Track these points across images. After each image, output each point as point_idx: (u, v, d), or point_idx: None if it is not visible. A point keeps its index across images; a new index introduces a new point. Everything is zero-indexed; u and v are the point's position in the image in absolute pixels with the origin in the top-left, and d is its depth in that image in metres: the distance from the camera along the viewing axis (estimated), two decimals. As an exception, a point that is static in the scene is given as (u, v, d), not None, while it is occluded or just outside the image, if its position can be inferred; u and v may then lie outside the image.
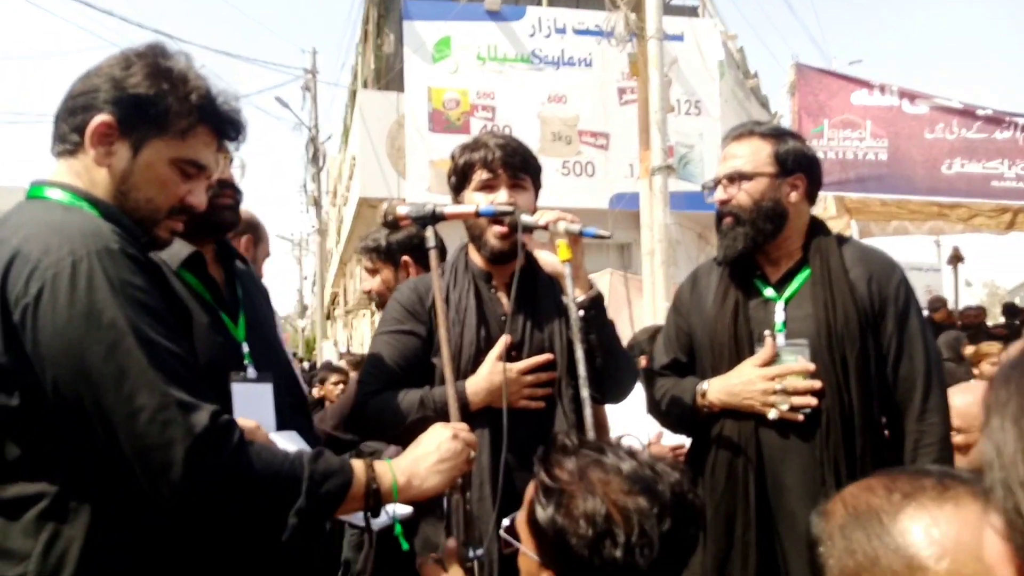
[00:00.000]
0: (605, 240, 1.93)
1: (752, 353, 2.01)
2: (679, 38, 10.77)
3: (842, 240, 2.11)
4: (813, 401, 1.92)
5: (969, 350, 7.52)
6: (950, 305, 10.35)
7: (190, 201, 1.42)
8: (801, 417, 1.92)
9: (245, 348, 1.68)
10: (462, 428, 1.55)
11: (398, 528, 1.56)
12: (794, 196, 2.03)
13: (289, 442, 1.61)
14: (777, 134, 2.09)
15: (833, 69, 8.28)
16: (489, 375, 1.92)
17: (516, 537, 1.22)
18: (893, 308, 1.97)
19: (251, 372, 1.66)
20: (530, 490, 1.21)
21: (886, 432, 2.00)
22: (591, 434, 1.69)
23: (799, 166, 2.03)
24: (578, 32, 11.56)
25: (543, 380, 1.97)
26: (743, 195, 2.02)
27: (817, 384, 1.92)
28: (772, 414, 1.93)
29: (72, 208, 1.31)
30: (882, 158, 7.89)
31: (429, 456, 1.46)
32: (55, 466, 1.22)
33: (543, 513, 1.14)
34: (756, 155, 2.03)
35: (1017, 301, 14.02)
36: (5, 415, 1.20)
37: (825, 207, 7.88)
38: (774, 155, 2.03)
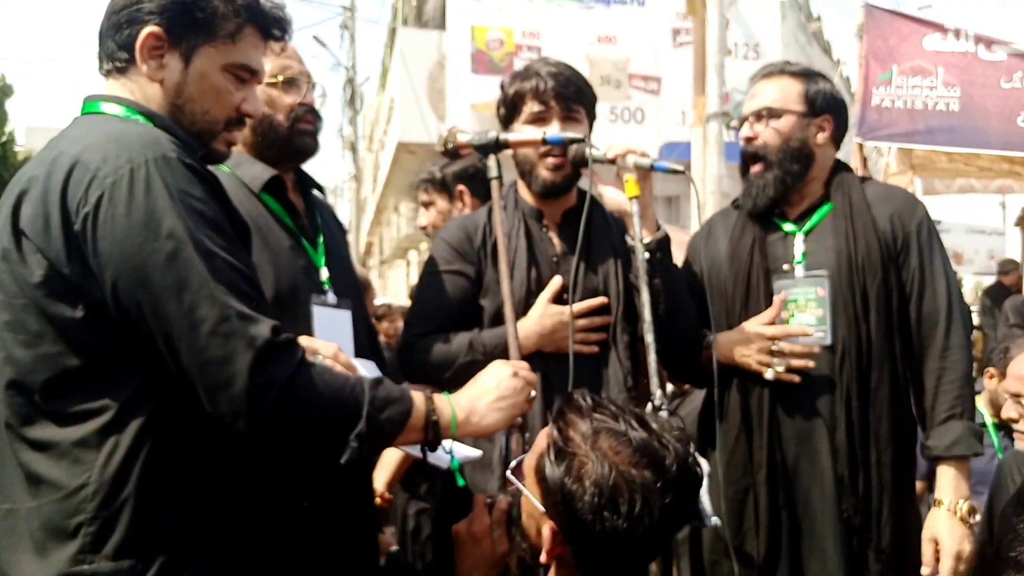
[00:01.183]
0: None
1: (768, 288, 2.02)
2: (739, -24, 10.29)
3: (865, 179, 2.13)
4: (811, 363, 1.93)
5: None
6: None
7: (246, 109, 1.39)
8: (797, 379, 1.93)
9: (325, 274, 1.69)
10: (523, 366, 1.54)
11: (455, 463, 1.55)
12: (821, 138, 2.04)
13: (367, 370, 1.58)
14: (807, 74, 2.10)
15: (904, 11, 7.82)
16: (540, 318, 1.88)
17: (522, 479, 1.27)
18: (916, 243, 1.98)
19: (331, 297, 1.67)
20: (541, 441, 1.24)
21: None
22: (654, 381, 1.65)
23: (827, 107, 2.04)
24: (631, -31, 11.10)
25: (596, 324, 1.92)
26: (771, 132, 2.02)
27: (816, 349, 1.93)
28: (768, 374, 1.94)
29: (128, 120, 1.30)
30: (954, 108, 7.49)
31: (489, 392, 1.45)
32: (118, 380, 1.22)
33: (552, 472, 1.18)
34: (785, 93, 2.04)
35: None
36: (69, 326, 1.20)
37: (887, 163, 7.56)
38: (803, 94, 2.04)
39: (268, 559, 1.36)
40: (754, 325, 1.98)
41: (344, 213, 22.35)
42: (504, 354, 1.68)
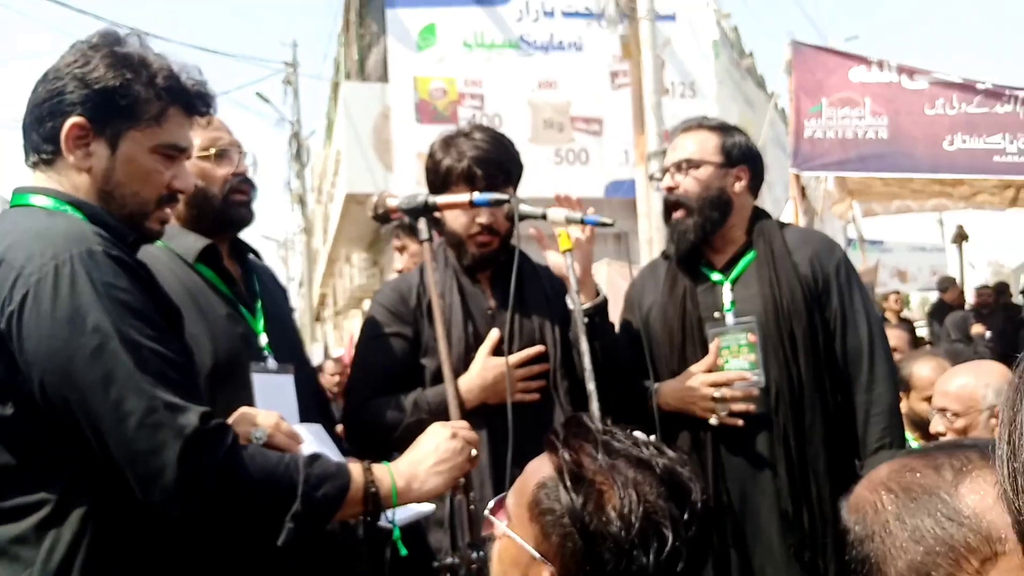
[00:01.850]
0: (605, 228, 1.91)
1: (702, 335, 2.08)
2: (671, 18, 10.58)
3: (783, 225, 2.23)
4: (751, 406, 1.99)
5: (976, 330, 7.41)
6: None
7: (177, 186, 1.40)
8: (740, 422, 1.98)
9: (264, 339, 1.69)
10: (462, 426, 1.53)
11: (396, 533, 1.51)
12: (738, 187, 2.13)
13: (313, 435, 1.59)
14: (724, 128, 2.21)
15: (830, 46, 8.13)
16: (481, 372, 1.89)
17: (503, 521, 1.06)
18: (836, 284, 2.06)
19: (271, 363, 1.66)
20: (535, 472, 1.03)
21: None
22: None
23: (743, 158, 2.14)
24: (567, 15, 11.34)
25: (535, 372, 1.95)
26: (691, 181, 2.11)
27: (754, 391, 1.99)
28: (713, 420, 1.99)
29: (55, 213, 1.30)
30: (883, 136, 7.76)
31: (428, 457, 1.44)
32: (53, 474, 1.21)
33: (568, 501, 0.96)
34: (703, 145, 2.14)
35: (1022, 280, 13.96)
36: (1, 426, 1.19)
37: (826, 189, 7.79)
38: (720, 147, 2.14)
39: None
40: (696, 373, 2.03)
41: (296, 266, 22.13)
42: (448, 411, 1.68)
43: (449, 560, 1.50)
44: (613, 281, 7.74)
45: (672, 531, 0.96)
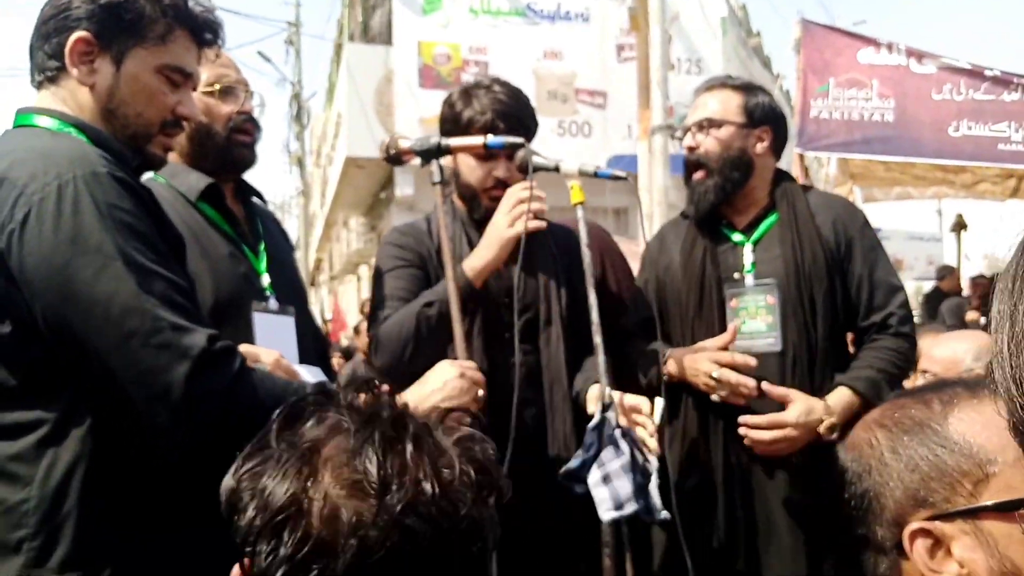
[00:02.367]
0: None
1: (720, 296, 2.07)
2: (681, -8, 10.48)
3: (807, 188, 2.20)
4: (741, 401, 1.94)
5: (971, 316, 7.45)
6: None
7: (181, 111, 1.38)
8: (742, 402, 1.95)
9: (266, 280, 1.68)
10: (469, 366, 1.54)
11: None
12: (760, 147, 2.11)
13: (312, 376, 1.58)
14: (747, 87, 2.17)
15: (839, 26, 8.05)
16: (487, 242, 1.87)
17: None
18: (860, 247, 2.05)
19: (272, 303, 1.66)
20: None
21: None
22: (604, 380, 1.68)
23: (766, 119, 2.12)
24: (576, -15, 11.20)
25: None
26: (711, 141, 2.09)
27: (751, 382, 1.93)
28: (715, 396, 1.97)
29: (60, 134, 1.29)
30: (888, 119, 7.73)
31: (436, 393, 1.46)
32: (52, 394, 1.21)
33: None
34: (726, 105, 2.11)
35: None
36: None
37: (827, 172, 7.79)
38: (743, 106, 2.11)
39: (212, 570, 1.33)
40: (706, 347, 2.01)
41: (292, 229, 22.05)
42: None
43: None
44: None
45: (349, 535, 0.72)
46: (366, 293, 16.01)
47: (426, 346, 1.83)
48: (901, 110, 7.10)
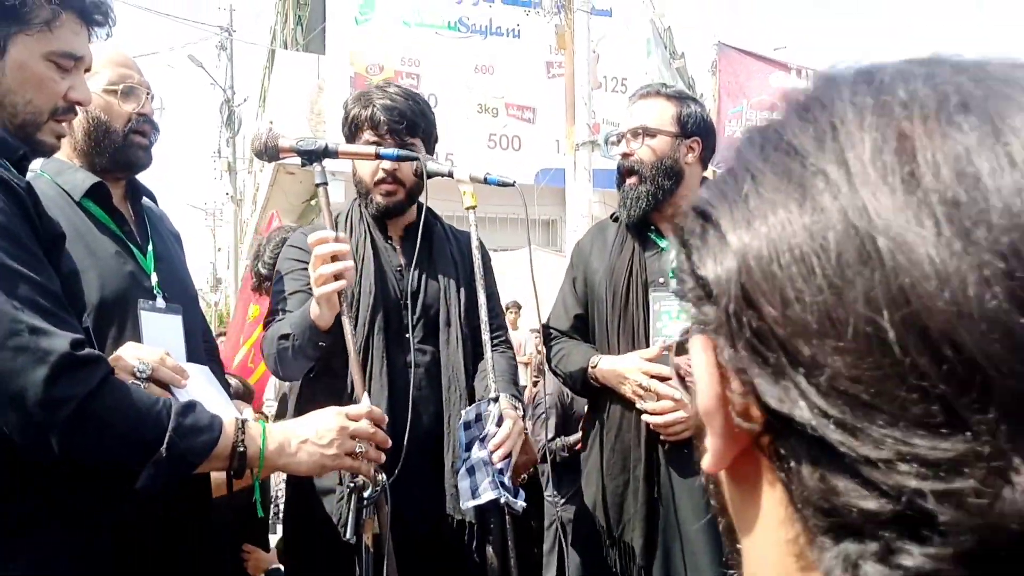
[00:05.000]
0: (505, 187, 1.93)
1: (646, 299, 2.11)
2: (607, 13, 10.73)
3: None
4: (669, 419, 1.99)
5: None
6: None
7: (74, 97, 1.34)
8: (666, 412, 2.00)
9: (154, 279, 1.67)
10: (359, 417, 1.47)
11: (256, 494, 1.52)
12: (690, 157, 2.15)
13: (201, 375, 1.59)
14: (681, 97, 2.22)
15: (754, 50, 8.39)
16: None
17: None
18: None
19: (160, 302, 1.65)
20: None
21: None
22: (489, 380, 1.75)
23: (698, 129, 2.15)
24: (506, 1, 11.38)
25: None
26: (646, 150, 2.12)
27: (669, 405, 1.97)
28: (641, 405, 2.02)
29: None
30: (798, 141, 8.11)
31: (306, 433, 1.41)
32: None
33: None
34: (661, 114, 2.15)
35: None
36: None
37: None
38: (676, 116, 2.15)
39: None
40: (635, 358, 2.06)
41: (223, 237, 21.59)
42: (308, 332, 1.74)
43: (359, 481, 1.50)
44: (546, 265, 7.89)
45: None
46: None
47: (293, 369, 1.87)
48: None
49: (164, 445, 1.21)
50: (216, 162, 20.80)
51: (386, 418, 1.54)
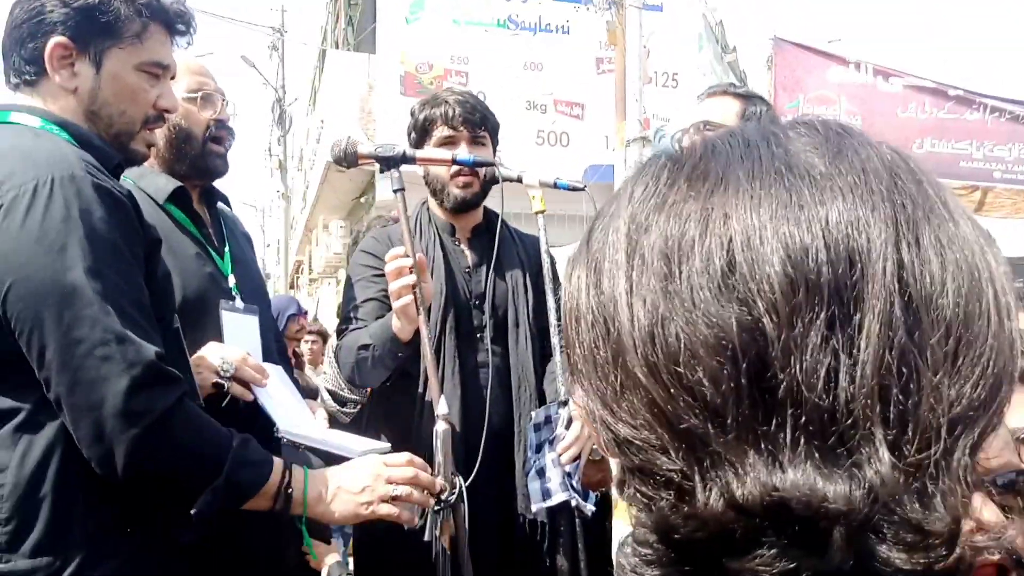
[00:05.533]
0: (577, 191, 1.95)
1: None
2: (658, 8, 10.64)
3: None
4: None
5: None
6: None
7: (163, 104, 1.40)
8: None
9: (232, 280, 1.71)
10: (397, 464, 1.42)
11: (307, 540, 1.53)
12: None
13: (276, 374, 1.63)
14: (747, 96, 2.22)
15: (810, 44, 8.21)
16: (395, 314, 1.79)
17: None
18: None
19: (239, 303, 1.69)
20: None
21: None
22: (560, 379, 1.74)
23: None
24: (556, -2, 11.36)
25: None
26: None
27: None
28: None
29: (42, 133, 1.28)
30: (855, 135, 7.91)
31: (347, 483, 1.39)
32: (26, 385, 1.18)
33: None
34: (725, 111, 2.16)
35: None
36: None
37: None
38: (741, 113, 2.15)
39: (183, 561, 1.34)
40: None
41: (272, 232, 21.98)
42: (389, 343, 1.76)
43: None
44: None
45: None
46: (345, 297, 15.93)
47: (372, 377, 1.90)
48: (868, 126, 7.25)
49: (224, 472, 1.24)
50: (267, 160, 21.16)
51: (427, 467, 1.47)
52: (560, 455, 1.69)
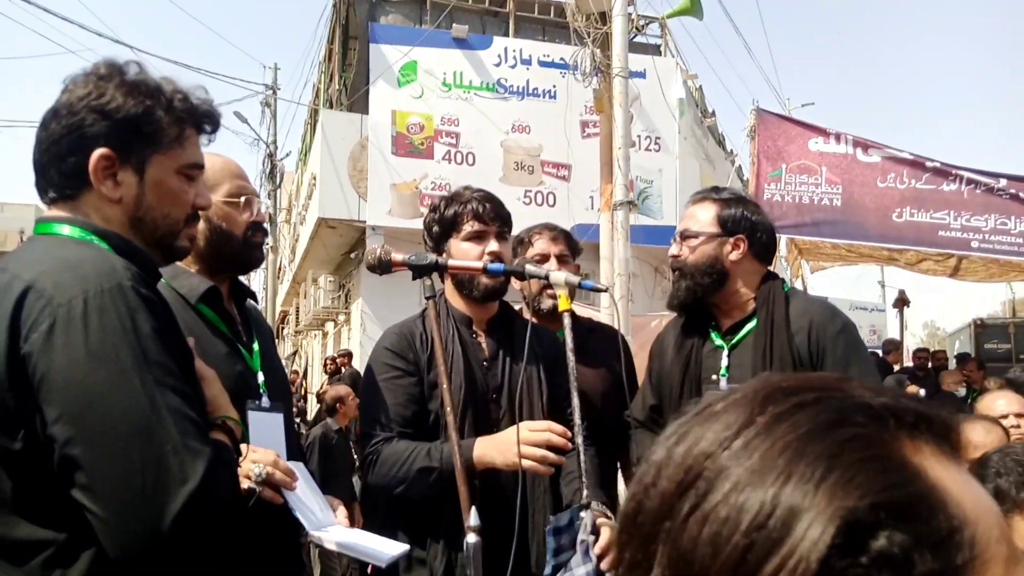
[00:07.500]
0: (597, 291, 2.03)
1: (699, 395, 2.14)
2: (641, 75, 10.96)
3: (794, 293, 2.29)
4: None
5: (911, 389, 7.82)
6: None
7: (199, 203, 1.44)
8: None
9: (261, 378, 1.75)
10: None
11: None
12: (735, 255, 2.23)
13: (299, 473, 1.65)
14: (726, 199, 2.29)
15: (790, 115, 8.49)
16: (501, 447, 1.90)
17: None
18: (831, 357, 2.10)
19: (265, 401, 1.73)
20: None
21: None
22: (585, 482, 1.77)
23: (739, 228, 2.23)
24: (543, 64, 11.71)
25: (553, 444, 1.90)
26: (687, 251, 2.25)
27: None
28: None
29: (83, 243, 1.28)
30: (836, 204, 8.15)
31: None
32: (60, 513, 1.16)
33: None
34: (704, 216, 2.27)
35: (958, 344, 14.56)
36: (9, 459, 1.16)
37: (778, 247, 8.14)
38: (717, 217, 2.24)
39: None
40: None
41: (258, 282, 21.93)
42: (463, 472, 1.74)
43: None
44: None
45: None
46: (331, 348, 16.07)
47: (416, 495, 1.95)
48: (848, 196, 7.51)
49: None
50: (255, 211, 21.20)
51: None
52: (599, 557, 1.70)
